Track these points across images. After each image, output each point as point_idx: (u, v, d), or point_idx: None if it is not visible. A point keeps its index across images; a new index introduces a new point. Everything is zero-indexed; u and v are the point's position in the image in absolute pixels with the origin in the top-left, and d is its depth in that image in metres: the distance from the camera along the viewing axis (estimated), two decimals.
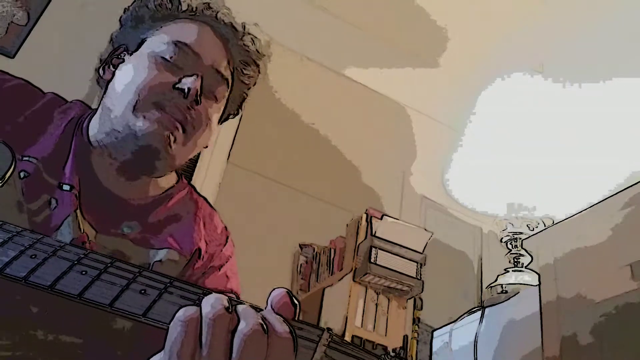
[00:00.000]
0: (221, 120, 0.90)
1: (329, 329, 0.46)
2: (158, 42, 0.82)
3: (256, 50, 0.89)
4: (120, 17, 0.88)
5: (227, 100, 0.88)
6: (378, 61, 3.19)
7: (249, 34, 0.88)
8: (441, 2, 2.97)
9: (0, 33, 2.09)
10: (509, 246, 1.90)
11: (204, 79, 0.80)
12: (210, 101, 0.82)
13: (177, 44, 0.81)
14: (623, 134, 1.99)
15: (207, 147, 0.86)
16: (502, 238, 1.94)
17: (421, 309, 2.26)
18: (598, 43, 2.86)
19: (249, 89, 0.91)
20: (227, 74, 0.85)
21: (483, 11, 2.93)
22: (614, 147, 1.94)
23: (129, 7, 0.87)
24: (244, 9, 0.91)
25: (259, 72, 0.91)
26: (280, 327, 0.46)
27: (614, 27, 2.79)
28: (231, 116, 0.93)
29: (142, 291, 0.48)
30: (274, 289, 0.49)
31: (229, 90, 0.86)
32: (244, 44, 0.87)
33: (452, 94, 3.08)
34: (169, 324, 0.46)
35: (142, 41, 0.83)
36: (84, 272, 0.49)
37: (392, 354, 0.45)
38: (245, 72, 0.88)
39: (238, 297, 0.72)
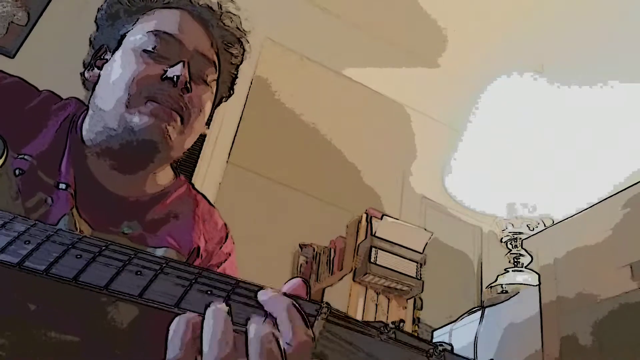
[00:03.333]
0: (215, 105, 0.89)
1: (327, 304, 0.44)
2: (138, 35, 0.80)
3: (237, 27, 0.88)
4: (96, 18, 0.87)
5: (217, 83, 0.87)
6: (378, 61, 3.19)
7: (227, 12, 0.87)
8: (441, 2, 2.97)
9: (0, 33, 2.09)
10: (509, 246, 1.90)
11: (190, 64, 0.79)
12: (201, 86, 0.81)
13: (157, 33, 0.79)
14: (623, 134, 1.99)
15: (205, 134, 0.85)
16: (502, 238, 1.93)
17: (421, 309, 2.26)
18: (598, 43, 2.86)
19: (236, 68, 0.91)
20: (213, 56, 0.84)
21: (483, 11, 2.93)
22: (614, 146, 1.94)
23: (102, 6, 0.86)
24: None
25: (244, 50, 0.90)
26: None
27: (614, 27, 2.79)
28: (224, 99, 0.92)
29: (138, 272, 0.47)
30: (290, 279, 0.48)
31: (217, 72, 0.86)
32: (223, 24, 0.86)
33: (452, 94, 3.08)
34: (166, 304, 0.45)
35: (122, 37, 0.82)
36: (78, 256, 0.48)
37: (392, 325, 0.43)
38: (230, 51, 0.88)
39: None
